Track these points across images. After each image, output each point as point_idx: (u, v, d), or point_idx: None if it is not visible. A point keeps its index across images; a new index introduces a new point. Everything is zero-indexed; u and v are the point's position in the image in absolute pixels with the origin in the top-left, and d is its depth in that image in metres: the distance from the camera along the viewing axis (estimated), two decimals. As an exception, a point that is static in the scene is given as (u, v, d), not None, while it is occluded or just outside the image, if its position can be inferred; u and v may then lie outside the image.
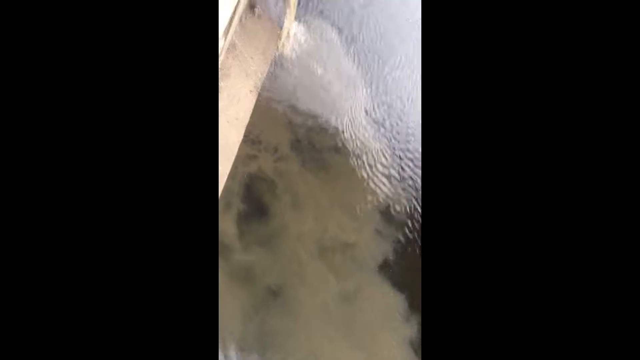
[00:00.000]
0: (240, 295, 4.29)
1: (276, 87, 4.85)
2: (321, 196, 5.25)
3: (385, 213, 5.39)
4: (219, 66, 3.78)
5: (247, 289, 4.36)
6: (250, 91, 3.91)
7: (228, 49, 3.92)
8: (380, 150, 5.68)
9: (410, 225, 5.34)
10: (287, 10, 4.02)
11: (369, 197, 5.38)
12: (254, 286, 4.42)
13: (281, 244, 4.83)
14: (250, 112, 3.90)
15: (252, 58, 3.99)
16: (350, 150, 5.47)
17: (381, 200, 5.36)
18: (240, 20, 3.96)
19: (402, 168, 5.70)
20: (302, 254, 4.85)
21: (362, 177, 5.46)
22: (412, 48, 6.32)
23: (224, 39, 3.26)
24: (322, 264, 4.93)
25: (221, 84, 3.83)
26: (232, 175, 4.54)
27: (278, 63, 4.94)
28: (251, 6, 4.00)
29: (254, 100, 3.93)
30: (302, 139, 5.20)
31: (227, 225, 4.54)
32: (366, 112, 5.59)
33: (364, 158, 5.58)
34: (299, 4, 4.24)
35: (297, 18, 4.83)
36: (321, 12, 5.62)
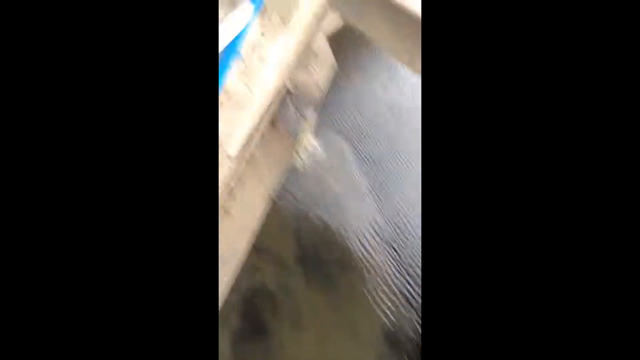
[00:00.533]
0: None
1: (288, 197, 4.82)
2: (324, 316, 4.87)
3: (390, 336, 4.99)
4: (235, 174, 3.75)
5: None
6: (264, 198, 3.83)
7: (246, 158, 3.94)
8: (388, 268, 5.46)
9: (414, 351, 4.92)
10: (305, 125, 4.15)
11: (374, 319, 5.02)
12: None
13: (279, 369, 4.33)
14: (262, 220, 3.77)
15: (267, 167, 3.99)
16: (358, 267, 5.25)
17: (386, 322, 5.00)
18: (262, 135, 4.06)
19: (408, 289, 5.43)
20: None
21: (368, 296, 5.15)
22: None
23: (243, 151, 3.27)
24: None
25: (236, 191, 3.76)
26: (233, 287, 4.25)
27: (292, 173, 4.99)
28: (273, 123, 4.13)
29: (267, 207, 3.83)
30: (309, 252, 5.01)
31: (222, 344, 4.11)
32: (375, 227, 5.49)
33: (371, 276, 5.33)
34: (316, 119, 4.43)
35: (313, 131, 5.02)
36: (336, 128, 5.88)
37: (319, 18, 2.30)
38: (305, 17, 1.70)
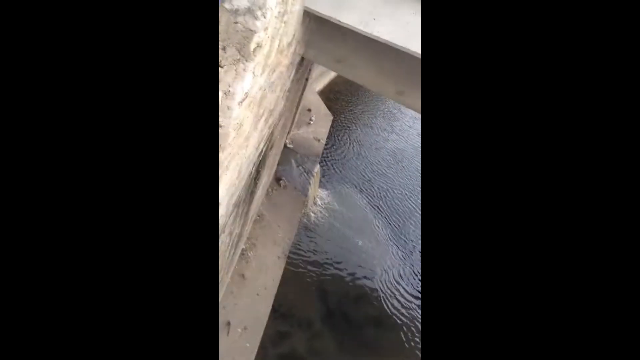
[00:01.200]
0: None
1: (306, 255, 4.70)
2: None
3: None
4: (247, 236, 3.73)
5: None
6: (279, 258, 3.75)
7: (255, 219, 3.94)
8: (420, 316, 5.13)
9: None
10: (311, 180, 4.16)
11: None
12: None
13: None
14: (279, 280, 3.67)
15: (279, 226, 3.96)
16: (392, 323, 4.94)
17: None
18: (267, 193, 4.09)
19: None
20: None
21: (407, 353, 4.80)
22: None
23: (245, 208, 3.29)
24: None
25: (249, 254, 3.72)
26: (261, 357, 4.02)
27: (306, 229, 4.92)
28: (277, 179, 4.17)
29: (283, 267, 3.73)
30: (336, 311, 4.77)
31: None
32: (403, 277, 5.24)
33: (406, 330, 5.00)
34: (322, 173, 4.45)
35: (322, 185, 5.02)
36: (345, 179, 5.87)
37: (291, 60, 2.39)
38: (272, 55, 1.77)
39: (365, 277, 5.04)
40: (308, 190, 4.18)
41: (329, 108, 4.74)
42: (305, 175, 4.15)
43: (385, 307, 5.12)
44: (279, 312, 4.34)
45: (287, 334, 4.33)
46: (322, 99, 4.67)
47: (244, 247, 3.66)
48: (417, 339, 4.98)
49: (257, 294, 3.59)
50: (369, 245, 5.21)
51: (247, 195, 2.99)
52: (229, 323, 3.22)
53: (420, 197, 6.39)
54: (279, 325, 4.32)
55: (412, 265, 5.41)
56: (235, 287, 3.49)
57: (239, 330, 3.30)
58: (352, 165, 6.22)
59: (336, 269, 4.84)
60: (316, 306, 4.63)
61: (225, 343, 3.08)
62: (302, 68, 2.97)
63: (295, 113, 3.84)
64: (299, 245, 4.62)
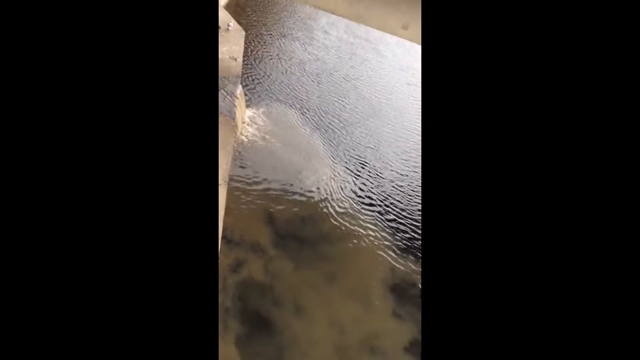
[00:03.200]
0: None
1: (246, 180, 4.60)
2: (326, 290, 4.69)
3: (397, 288, 4.88)
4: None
5: None
6: (220, 185, 3.62)
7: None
8: (375, 222, 5.35)
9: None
10: (236, 102, 3.97)
11: (377, 276, 4.88)
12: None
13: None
14: (224, 206, 3.56)
15: (212, 154, 3.78)
16: (345, 233, 5.09)
17: (391, 278, 4.89)
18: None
19: (401, 235, 5.34)
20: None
21: (365, 256, 5.02)
22: (370, 113, 6.44)
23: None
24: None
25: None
26: (222, 288, 3.99)
27: (243, 153, 4.78)
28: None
29: (225, 193, 3.62)
30: (286, 233, 4.82)
31: (230, 351, 3.86)
32: (346, 186, 5.34)
33: (362, 235, 5.21)
34: (247, 93, 4.24)
35: (251, 106, 4.82)
36: (273, 96, 5.69)
37: None
38: None
39: (310, 194, 5.07)
40: (235, 113, 3.99)
41: (239, 23, 4.44)
42: (229, 98, 3.94)
43: (333, 221, 5.25)
44: (231, 242, 4.28)
45: (243, 260, 4.31)
46: (231, 11, 4.35)
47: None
48: (369, 242, 5.18)
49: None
50: (310, 161, 5.21)
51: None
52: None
53: (346, 106, 6.44)
54: (233, 254, 4.28)
55: (355, 174, 5.54)
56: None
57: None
58: (276, 80, 6.02)
59: (279, 190, 4.81)
60: (265, 231, 4.62)
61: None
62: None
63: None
64: (237, 171, 4.49)
